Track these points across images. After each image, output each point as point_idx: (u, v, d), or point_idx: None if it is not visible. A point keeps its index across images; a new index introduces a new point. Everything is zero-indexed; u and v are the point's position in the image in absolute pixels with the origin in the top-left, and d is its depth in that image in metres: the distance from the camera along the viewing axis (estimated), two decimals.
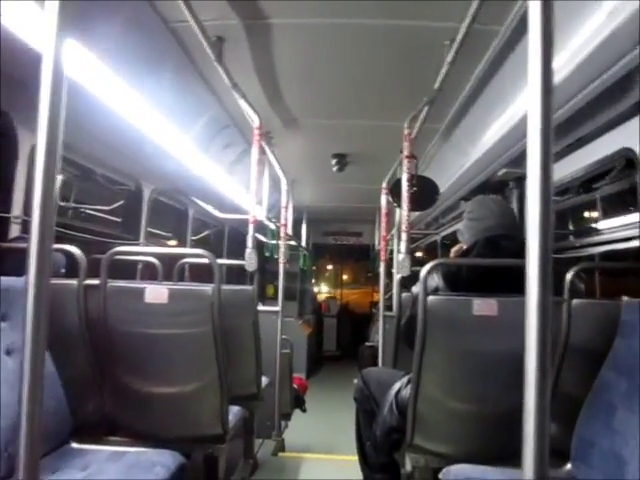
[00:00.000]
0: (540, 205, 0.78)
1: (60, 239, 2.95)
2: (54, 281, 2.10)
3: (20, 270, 0.87)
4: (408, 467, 2.56)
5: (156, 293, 2.07)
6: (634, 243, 2.75)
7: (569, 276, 1.99)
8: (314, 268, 11.41)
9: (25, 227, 2.34)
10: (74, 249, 2.14)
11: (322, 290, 14.11)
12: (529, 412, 0.76)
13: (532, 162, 0.79)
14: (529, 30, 0.80)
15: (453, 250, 2.47)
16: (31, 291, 0.86)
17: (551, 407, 0.75)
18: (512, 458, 0.77)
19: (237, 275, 6.85)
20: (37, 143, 0.87)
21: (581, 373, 1.91)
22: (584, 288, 2.15)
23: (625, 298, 1.86)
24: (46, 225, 0.87)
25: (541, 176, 0.78)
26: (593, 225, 3.41)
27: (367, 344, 6.19)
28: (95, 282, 2.11)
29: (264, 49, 2.58)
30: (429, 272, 2.00)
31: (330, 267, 14.65)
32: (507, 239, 2.11)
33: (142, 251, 3.60)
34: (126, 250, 2.99)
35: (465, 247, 2.25)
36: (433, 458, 2.03)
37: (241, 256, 3.21)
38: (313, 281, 11.54)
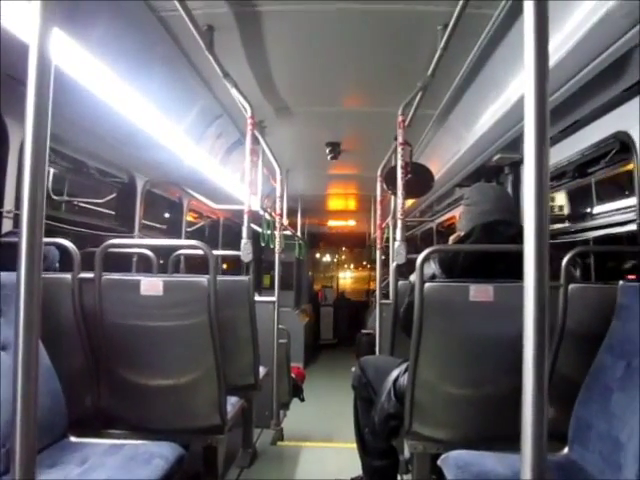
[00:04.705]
0: (536, 188, 0.77)
1: (55, 233, 2.93)
2: (49, 275, 2.10)
3: (13, 265, 0.86)
4: (406, 453, 2.58)
5: (151, 285, 2.06)
6: (630, 227, 2.75)
7: (565, 261, 2.00)
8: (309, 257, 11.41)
9: (17, 221, 2.32)
10: (67, 242, 2.13)
11: (319, 278, 14.07)
12: (527, 398, 0.76)
13: (528, 145, 0.78)
14: (524, 13, 0.79)
15: (451, 238, 2.46)
16: (22, 285, 0.85)
17: (549, 391, 0.75)
18: (510, 442, 0.77)
19: (233, 266, 6.84)
20: (25, 134, 0.86)
21: (579, 357, 1.92)
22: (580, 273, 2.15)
23: (621, 282, 1.87)
24: (36, 218, 0.86)
25: (537, 159, 0.77)
26: (588, 210, 3.40)
27: (364, 332, 6.21)
28: (90, 275, 2.10)
29: (255, 37, 2.55)
30: (425, 259, 2.00)
31: (326, 256, 14.62)
32: (503, 224, 2.11)
33: (136, 243, 3.59)
34: (120, 242, 2.98)
35: (462, 234, 2.25)
36: (431, 444, 2.04)
37: (236, 247, 3.20)
38: (309, 270, 11.54)
